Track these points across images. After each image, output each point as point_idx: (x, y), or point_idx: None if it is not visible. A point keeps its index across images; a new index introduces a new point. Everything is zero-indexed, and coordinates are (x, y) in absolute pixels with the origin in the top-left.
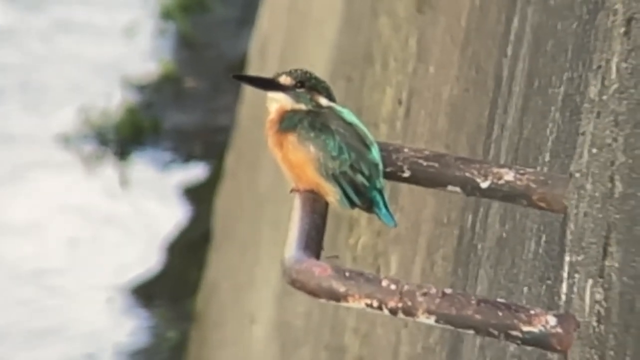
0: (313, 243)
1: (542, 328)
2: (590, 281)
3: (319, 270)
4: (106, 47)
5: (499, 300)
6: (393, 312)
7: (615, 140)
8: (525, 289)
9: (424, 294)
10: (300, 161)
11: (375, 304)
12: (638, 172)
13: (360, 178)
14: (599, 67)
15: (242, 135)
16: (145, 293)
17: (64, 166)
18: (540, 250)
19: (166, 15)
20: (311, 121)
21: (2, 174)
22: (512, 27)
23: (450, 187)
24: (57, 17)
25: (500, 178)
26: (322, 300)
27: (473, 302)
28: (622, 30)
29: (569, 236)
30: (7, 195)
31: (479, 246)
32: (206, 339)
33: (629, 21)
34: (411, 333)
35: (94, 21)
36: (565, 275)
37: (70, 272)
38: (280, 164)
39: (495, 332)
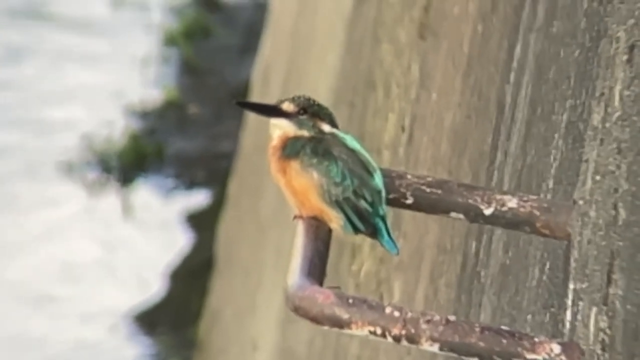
0: (316, 270)
1: (547, 356)
2: (594, 309)
3: (322, 297)
4: (109, 73)
5: (502, 327)
6: (396, 339)
7: (618, 167)
8: (529, 316)
9: (428, 322)
10: (303, 187)
11: (378, 331)
12: None
13: (363, 204)
14: (602, 94)
15: (244, 161)
16: (148, 320)
17: (67, 193)
18: (544, 278)
19: (170, 41)
20: (314, 147)
21: (5, 201)
22: (514, 54)
23: (453, 214)
24: (60, 45)
25: (503, 205)
26: (325, 327)
27: (477, 329)
28: (625, 57)
29: (572, 264)
30: (10, 223)
31: (483, 273)
32: None
33: (631, 49)
34: None
35: (97, 48)
36: (569, 302)
37: (72, 299)
38: (283, 191)
39: None
